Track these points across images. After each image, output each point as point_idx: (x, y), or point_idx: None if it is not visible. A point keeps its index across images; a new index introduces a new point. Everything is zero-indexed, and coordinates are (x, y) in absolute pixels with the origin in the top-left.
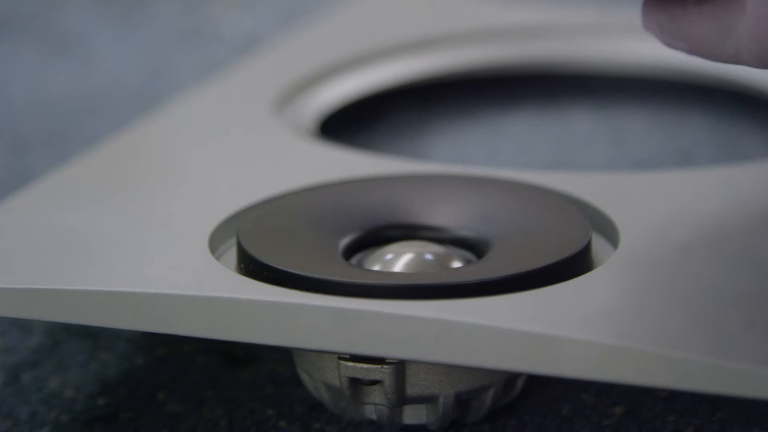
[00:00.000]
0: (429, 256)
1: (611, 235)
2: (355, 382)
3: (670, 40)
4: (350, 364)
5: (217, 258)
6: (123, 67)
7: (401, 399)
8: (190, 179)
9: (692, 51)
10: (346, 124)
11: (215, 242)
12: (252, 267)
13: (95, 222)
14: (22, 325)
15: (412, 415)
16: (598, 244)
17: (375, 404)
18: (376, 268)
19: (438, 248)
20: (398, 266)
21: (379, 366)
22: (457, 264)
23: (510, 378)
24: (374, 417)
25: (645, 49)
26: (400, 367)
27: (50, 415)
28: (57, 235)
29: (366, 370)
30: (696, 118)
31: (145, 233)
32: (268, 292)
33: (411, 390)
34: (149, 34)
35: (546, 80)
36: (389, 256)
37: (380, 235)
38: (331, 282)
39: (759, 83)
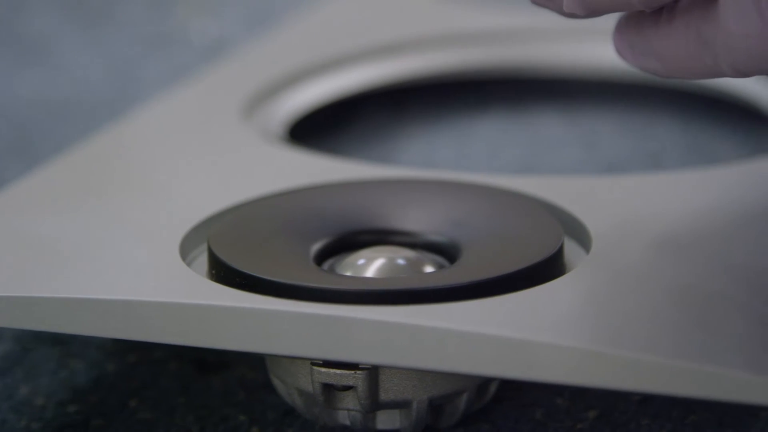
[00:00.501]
0: (401, 261)
1: (583, 239)
2: (329, 388)
3: (643, 60)
4: (323, 369)
5: (188, 264)
6: (91, 73)
7: (374, 404)
8: (160, 185)
9: (667, 69)
10: (315, 129)
11: (186, 248)
12: (224, 273)
13: (65, 229)
14: None
15: (385, 420)
16: (571, 248)
17: (348, 410)
18: (348, 273)
19: (410, 253)
20: (370, 271)
21: (353, 371)
22: (429, 269)
23: (483, 383)
24: (347, 422)
25: (614, 53)
26: (374, 372)
27: (20, 423)
28: (27, 242)
29: (339, 375)
30: (665, 122)
31: (116, 240)
32: (241, 298)
33: (384, 395)
34: (117, 40)
35: (515, 84)
36: (361, 262)
37: (352, 241)
38: (304, 288)
39: (727, 86)
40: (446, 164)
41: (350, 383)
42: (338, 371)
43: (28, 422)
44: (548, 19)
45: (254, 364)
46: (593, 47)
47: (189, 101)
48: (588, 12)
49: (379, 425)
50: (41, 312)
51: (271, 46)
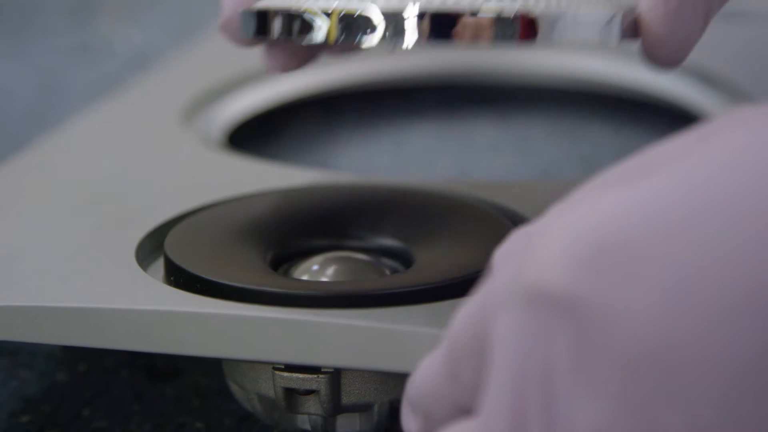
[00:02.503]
0: (356, 266)
1: None
2: (290, 392)
3: None
4: (285, 374)
5: (144, 270)
6: (14, 83)
7: (337, 408)
8: (108, 193)
9: None
10: (253, 136)
11: (141, 255)
12: (183, 279)
13: (17, 238)
14: None
15: (345, 424)
16: None
17: (309, 414)
18: (304, 278)
19: (365, 258)
20: (325, 277)
21: (315, 375)
22: (384, 273)
23: None
24: (308, 427)
25: (545, 59)
26: (336, 375)
27: None
28: None
29: (302, 379)
30: (597, 126)
31: (70, 247)
32: (203, 303)
33: (346, 399)
34: (40, 50)
35: (448, 91)
36: (315, 267)
37: (306, 246)
38: (266, 292)
39: (656, 90)
40: (383, 170)
41: (313, 387)
42: (301, 375)
43: None
44: None
45: (207, 370)
46: (525, 54)
47: (127, 109)
48: None
49: (339, 429)
50: None
51: (205, 53)
